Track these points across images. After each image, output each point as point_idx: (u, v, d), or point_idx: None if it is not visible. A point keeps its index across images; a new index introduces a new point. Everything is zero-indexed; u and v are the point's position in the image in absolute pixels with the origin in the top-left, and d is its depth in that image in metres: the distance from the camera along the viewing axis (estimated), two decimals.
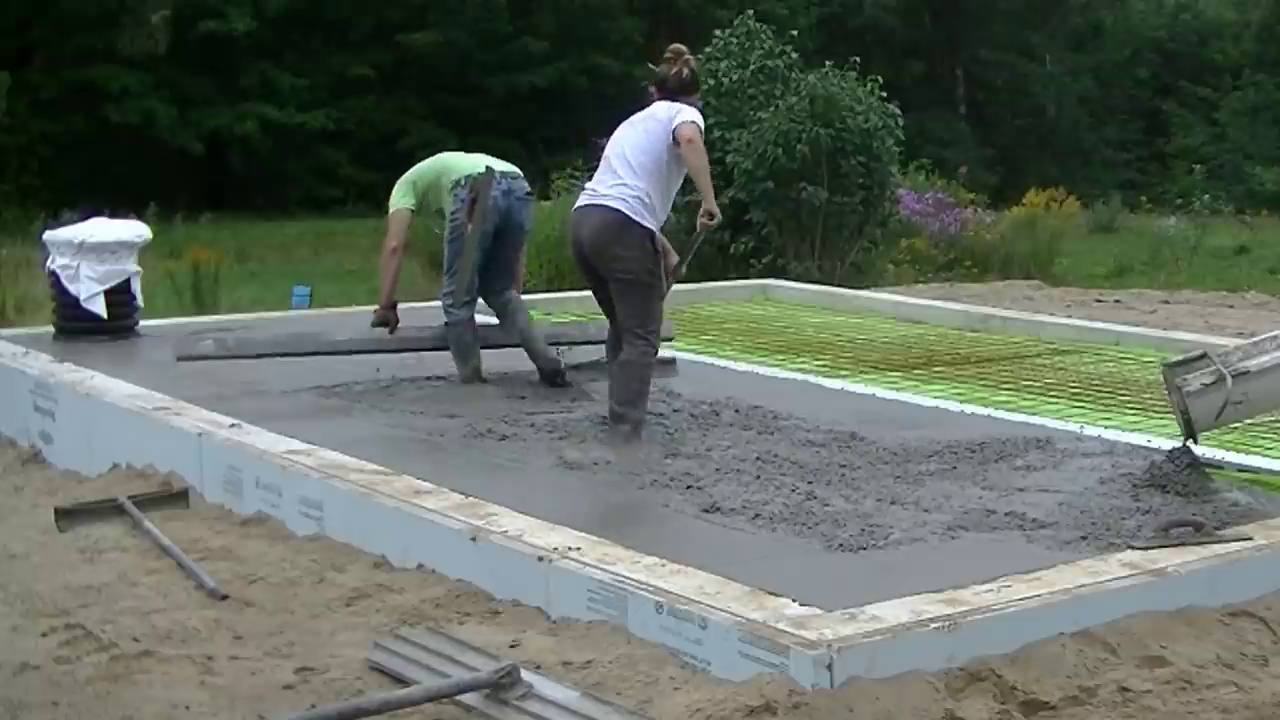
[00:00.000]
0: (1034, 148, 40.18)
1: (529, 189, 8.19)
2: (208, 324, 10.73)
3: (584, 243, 6.88)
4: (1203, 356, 5.83)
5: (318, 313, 12.44)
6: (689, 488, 5.87)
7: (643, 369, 6.83)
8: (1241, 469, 6.22)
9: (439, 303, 8.12)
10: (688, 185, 7.08)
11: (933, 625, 4.27)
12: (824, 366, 8.96)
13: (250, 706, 4.24)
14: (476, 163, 8.12)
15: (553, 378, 7.87)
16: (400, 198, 8.23)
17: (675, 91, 6.98)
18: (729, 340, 9.86)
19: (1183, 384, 5.74)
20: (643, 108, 7.06)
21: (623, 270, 6.79)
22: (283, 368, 8.13)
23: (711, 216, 6.74)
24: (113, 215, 10.27)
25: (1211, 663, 4.45)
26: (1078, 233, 23.51)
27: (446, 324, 8.04)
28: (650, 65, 7.14)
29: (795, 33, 18.36)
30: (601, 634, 4.59)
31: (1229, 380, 5.69)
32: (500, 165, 8.09)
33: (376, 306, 8.39)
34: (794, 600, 4.44)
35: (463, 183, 7.96)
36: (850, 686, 4.04)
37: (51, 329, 9.52)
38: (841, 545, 5.11)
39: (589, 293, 7.30)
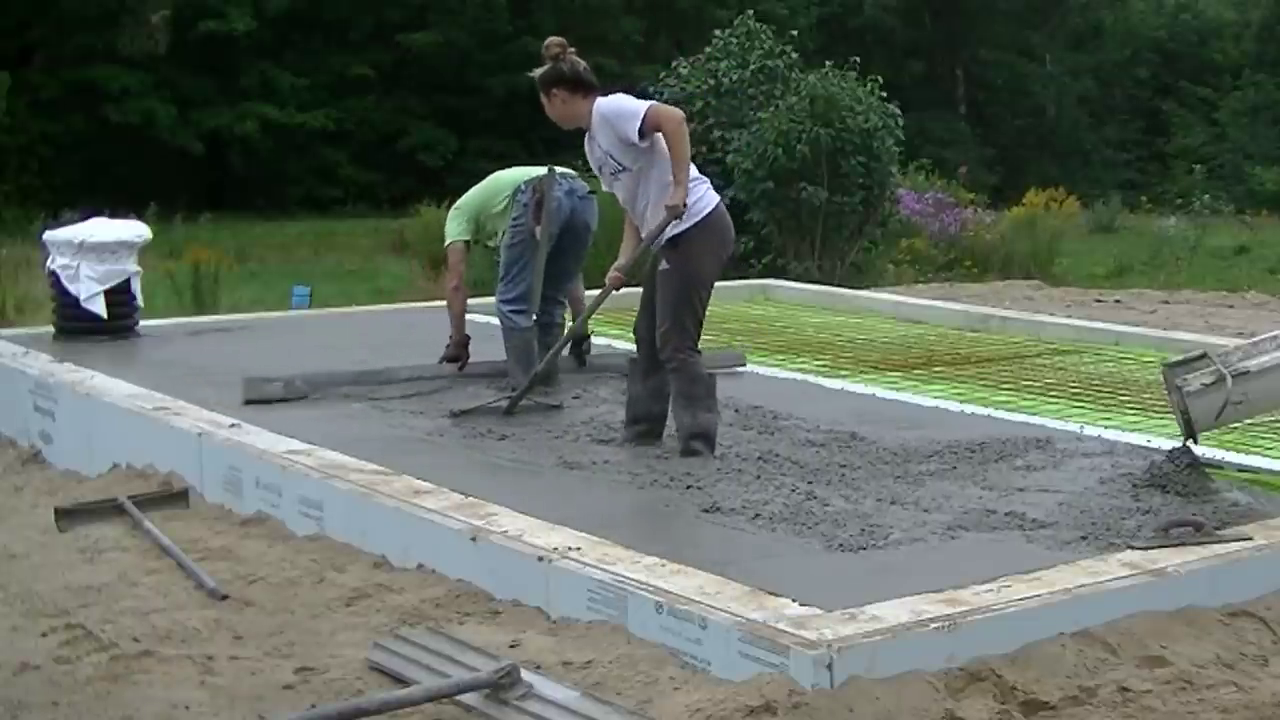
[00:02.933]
0: (1034, 148, 40.20)
1: (591, 189, 8.03)
2: (207, 323, 10.74)
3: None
4: (1203, 356, 5.83)
5: (319, 313, 12.45)
6: (689, 488, 5.87)
7: None
8: (1241, 469, 6.21)
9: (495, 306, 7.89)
10: None
11: (933, 625, 4.27)
12: (824, 366, 8.96)
13: (250, 706, 4.24)
14: (526, 172, 7.96)
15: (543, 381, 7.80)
16: (454, 228, 8.03)
17: (591, 87, 6.61)
18: (729, 340, 9.85)
19: (1183, 384, 5.74)
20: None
21: None
22: (283, 366, 8.12)
23: None
24: (113, 215, 10.27)
25: (1211, 663, 4.45)
26: (1078, 233, 23.52)
27: (508, 333, 7.79)
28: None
29: (795, 33, 18.38)
30: (601, 634, 4.59)
31: (1229, 380, 5.69)
32: (557, 169, 7.94)
33: (448, 340, 8.16)
34: (794, 600, 4.44)
35: (523, 188, 7.80)
36: (850, 686, 4.04)
37: (51, 329, 9.52)
38: (841, 545, 5.11)
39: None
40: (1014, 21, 42.13)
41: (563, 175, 7.85)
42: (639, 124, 6.30)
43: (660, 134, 6.32)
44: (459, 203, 8.17)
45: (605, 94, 6.60)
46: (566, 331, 7.70)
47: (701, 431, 6.41)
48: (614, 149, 6.43)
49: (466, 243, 8.07)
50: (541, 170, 7.89)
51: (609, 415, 7.19)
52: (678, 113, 6.42)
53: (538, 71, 6.64)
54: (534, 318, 7.81)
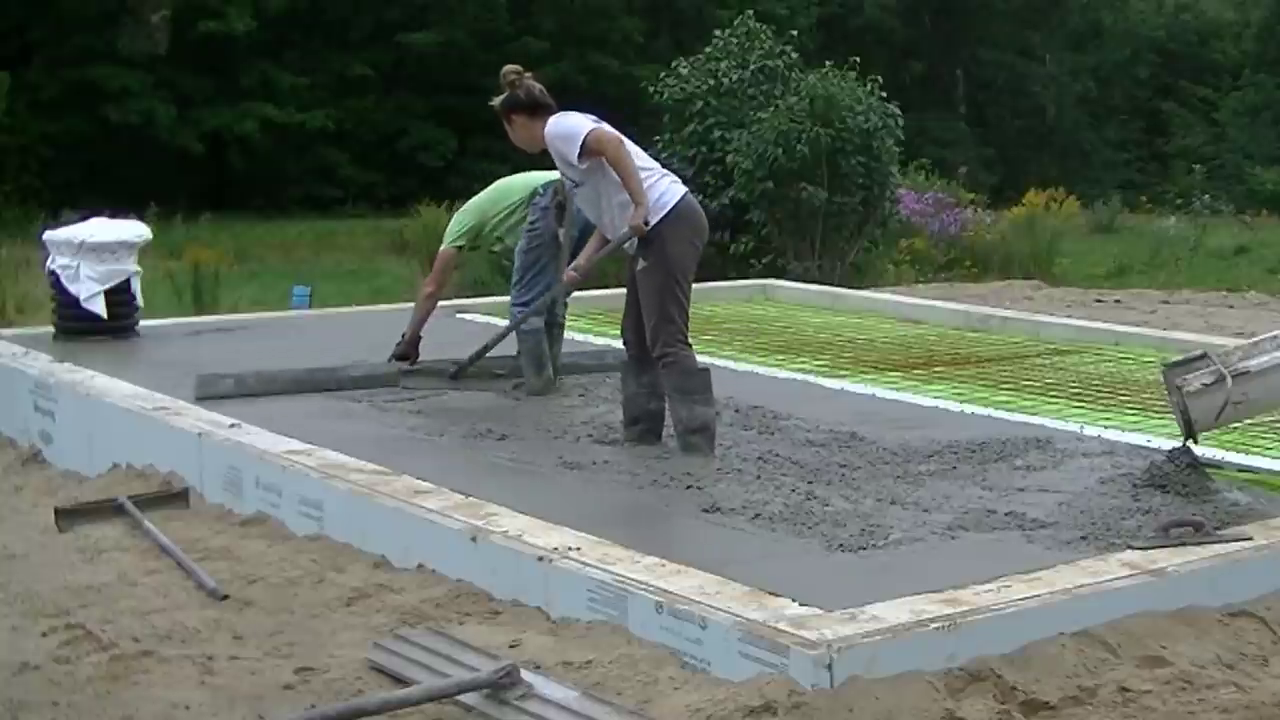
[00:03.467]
0: (1034, 148, 40.21)
1: None
2: (207, 323, 10.74)
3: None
4: (1203, 356, 5.83)
5: (319, 313, 12.45)
6: (689, 488, 5.87)
7: None
8: (1241, 469, 6.21)
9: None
10: None
11: (933, 625, 4.27)
12: (824, 366, 8.96)
13: (250, 706, 4.24)
14: (538, 177, 7.86)
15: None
16: (453, 233, 7.98)
17: (549, 108, 6.71)
18: (729, 340, 9.85)
19: (1183, 384, 5.74)
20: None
21: None
22: (282, 366, 8.12)
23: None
24: (113, 215, 10.27)
25: (1211, 663, 4.45)
26: (1078, 233, 23.53)
27: (520, 333, 7.72)
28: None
29: (795, 33, 18.40)
30: (601, 634, 4.59)
31: (1229, 380, 5.69)
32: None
33: (400, 339, 8.11)
34: (794, 600, 4.44)
35: (541, 191, 7.71)
36: (850, 686, 4.04)
37: (51, 329, 9.52)
38: (841, 545, 5.11)
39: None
40: (1014, 21, 42.14)
41: None
42: (577, 149, 6.42)
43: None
44: (466, 205, 8.11)
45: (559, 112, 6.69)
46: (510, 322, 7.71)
47: (699, 425, 6.43)
48: (564, 167, 6.60)
49: (460, 249, 8.04)
50: (554, 174, 7.75)
51: (609, 415, 7.18)
52: (613, 135, 6.46)
53: (497, 100, 6.80)
54: (542, 319, 7.72)
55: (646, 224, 6.35)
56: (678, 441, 6.46)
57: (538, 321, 7.72)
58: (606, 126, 6.52)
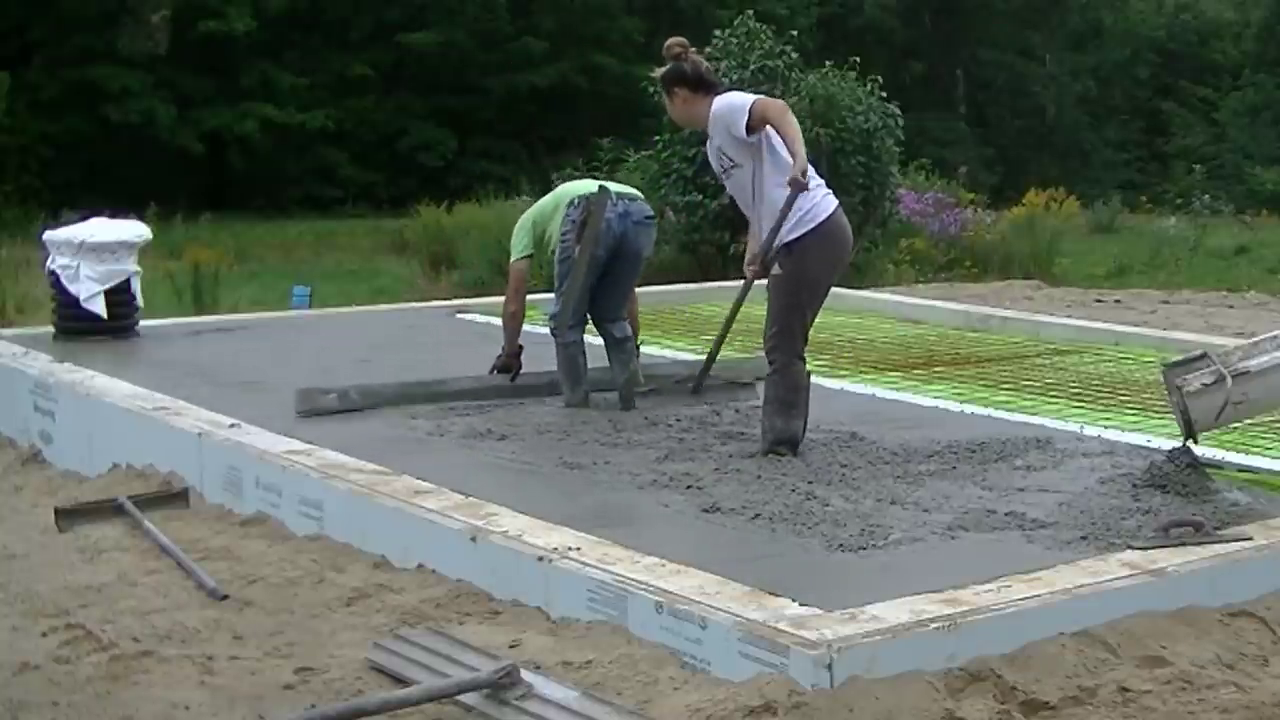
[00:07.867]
0: (1034, 148, 40.23)
1: (651, 213, 7.70)
2: (207, 323, 10.74)
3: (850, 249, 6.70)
4: (1203, 356, 5.83)
5: (319, 313, 12.45)
6: (689, 488, 5.87)
7: None
8: (1241, 469, 6.21)
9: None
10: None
11: (933, 625, 4.27)
12: (824, 366, 8.94)
13: (250, 706, 4.24)
14: (592, 186, 7.67)
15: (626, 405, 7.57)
16: (518, 245, 7.70)
17: (712, 86, 6.70)
18: (729, 340, 9.81)
19: (1183, 384, 5.74)
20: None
21: None
22: (283, 366, 8.13)
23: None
24: (113, 215, 10.27)
25: (1211, 663, 4.45)
26: (1078, 233, 23.51)
27: (557, 345, 7.56)
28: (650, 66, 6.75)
29: (795, 33, 18.36)
30: (601, 634, 4.59)
31: (1229, 380, 5.69)
32: (618, 188, 7.66)
33: (502, 351, 7.80)
34: (794, 600, 4.44)
35: (575, 203, 7.48)
36: (850, 686, 4.04)
37: (51, 329, 9.52)
38: (841, 545, 5.11)
39: None
40: (1014, 21, 42.17)
41: (620, 196, 7.55)
42: (746, 118, 6.36)
43: (769, 128, 6.35)
44: (524, 216, 7.83)
45: (720, 93, 6.67)
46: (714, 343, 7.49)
47: (790, 438, 6.41)
48: (726, 144, 6.50)
49: (529, 259, 7.72)
50: (602, 184, 7.62)
51: (608, 415, 7.19)
52: (779, 102, 6.46)
53: (659, 71, 6.77)
54: (579, 330, 7.53)
55: (804, 178, 6.19)
56: (762, 445, 6.43)
57: (572, 335, 7.54)
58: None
